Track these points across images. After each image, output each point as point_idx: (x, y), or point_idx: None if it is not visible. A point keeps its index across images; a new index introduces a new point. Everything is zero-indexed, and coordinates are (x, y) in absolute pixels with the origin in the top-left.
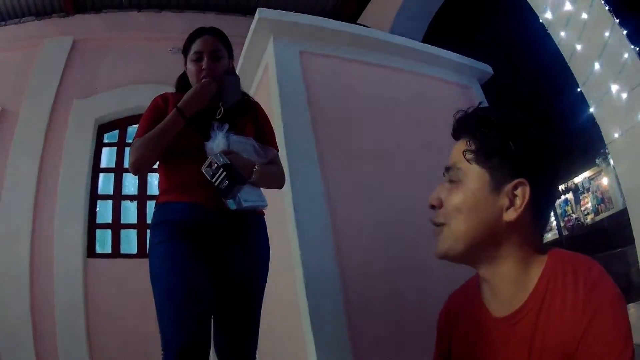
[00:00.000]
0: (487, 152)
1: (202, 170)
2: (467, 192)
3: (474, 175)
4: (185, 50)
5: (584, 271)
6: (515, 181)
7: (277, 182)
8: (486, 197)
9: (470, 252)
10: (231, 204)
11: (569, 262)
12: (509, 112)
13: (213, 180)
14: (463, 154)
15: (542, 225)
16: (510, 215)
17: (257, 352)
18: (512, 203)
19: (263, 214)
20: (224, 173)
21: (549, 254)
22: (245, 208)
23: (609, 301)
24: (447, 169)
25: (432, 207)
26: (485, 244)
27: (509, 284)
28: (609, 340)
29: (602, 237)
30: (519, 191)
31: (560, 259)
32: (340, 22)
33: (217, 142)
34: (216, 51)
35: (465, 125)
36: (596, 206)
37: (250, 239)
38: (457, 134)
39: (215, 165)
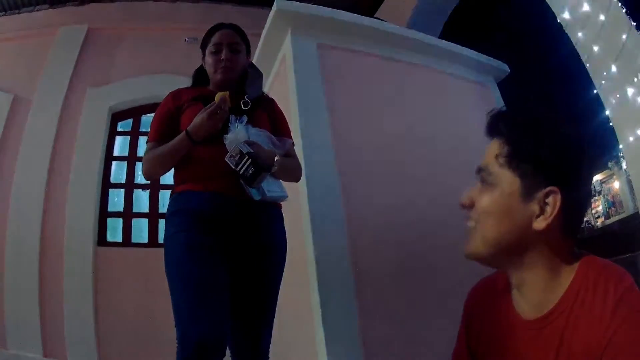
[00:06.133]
0: (518, 158)
1: (226, 159)
2: (498, 197)
3: (505, 180)
4: (204, 45)
5: (615, 281)
6: (546, 189)
7: (295, 173)
8: (516, 204)
9: (497, 257)
10: (255, 194)
11: (601, 271)
12: (543, 113)
13: (238, 169)
14: (495, 158)
15: (573, 233)
16: (539, 224)
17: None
18: (542, 211)
19: (280, 206)
20: (249, 161)
21: (581, 261)
22: (269, 198)
23: (636, 312)
24: (479, 170)
25: (463, 206)
26: (513, 251)
27: (536, 291)
28: (633, 352)
29: (612, 241)
30: (549, 199)
31: (592, 266)
32: (358, 15)
33: (238, 133)
34: (235, 44)
35: (498, 126)
36: (607, 209)
37: (268, 231)
38: (490, 133)
39: (239, 154)
